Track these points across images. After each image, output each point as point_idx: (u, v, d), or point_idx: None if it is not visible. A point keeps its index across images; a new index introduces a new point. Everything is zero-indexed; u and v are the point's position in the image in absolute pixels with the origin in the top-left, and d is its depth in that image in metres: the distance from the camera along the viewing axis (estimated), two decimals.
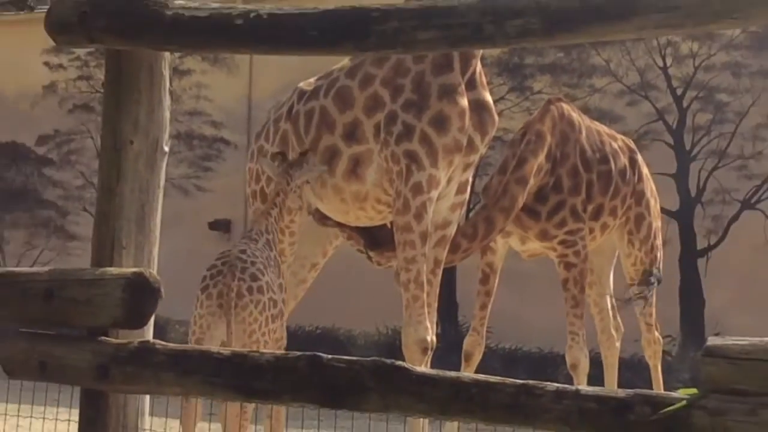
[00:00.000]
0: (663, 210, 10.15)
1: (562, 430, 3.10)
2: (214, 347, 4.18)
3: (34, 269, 3.88)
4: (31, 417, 5.13)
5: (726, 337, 2.98)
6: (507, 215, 7.75)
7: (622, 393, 3.08)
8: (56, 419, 4.21)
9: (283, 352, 5.09)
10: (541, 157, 7.79)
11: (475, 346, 8.33)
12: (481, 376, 3.29)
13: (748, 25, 11.89)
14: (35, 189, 17.82)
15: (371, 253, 7.31)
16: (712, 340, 2.93)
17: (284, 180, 6.88)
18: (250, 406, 6.37)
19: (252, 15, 3.72)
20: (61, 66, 17.44)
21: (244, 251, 6.55)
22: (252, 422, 6.73)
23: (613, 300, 8.91)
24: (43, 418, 4.95)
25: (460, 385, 3.25)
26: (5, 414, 6.55)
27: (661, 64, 13.92)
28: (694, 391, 2.90)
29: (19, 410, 6.10)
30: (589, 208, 8.10)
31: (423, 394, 3.29)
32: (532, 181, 7.75)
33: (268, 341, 6.36)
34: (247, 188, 7.93)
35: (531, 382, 3.15)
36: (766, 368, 2.81)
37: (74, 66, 17.19)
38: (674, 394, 2.93)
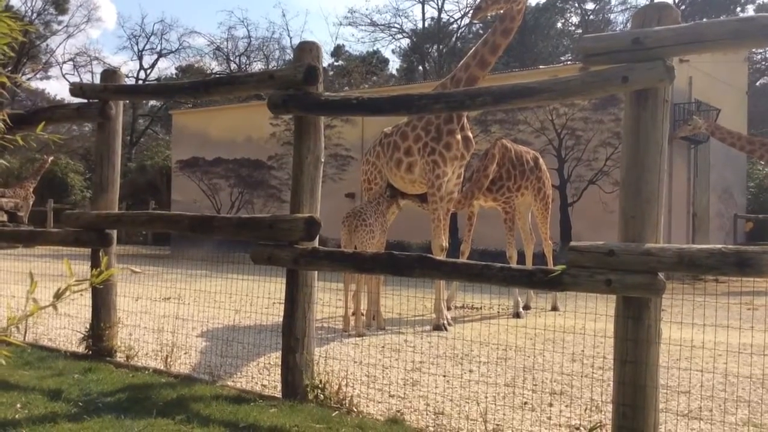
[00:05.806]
0: (552, 185, 9.90)
1: (502, 284, 3.08)
2: (345, 249, 4.16)
3: (286, 215, 3.80)
4: (265, 282, 5.17)
5: (579, 242, 2.93)
6: (479, 191, 7.69)
7: (531, 267, 3.04)
8: (281, 282, 4.28)
9: (380, 251, 5.09)
10: (494, 165, 7.70)
11: (465, 248, 8.23)
12: (467, 261, 3.25)
13: (589, 98, 11.65)
14: (267, 180, 17.91)
15: (419, 205, 7.25)
16: (572, 244, 2.89)
17: (394, 200, 6.95)
18: (364, 276, 6.41)
19: (360, 98, 3.69)
20: (277, 124, 17.48)
21: (361, 208, 6.59)
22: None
23: (529, 225, 8.77)
24: (269, 283, 4.93)
25: (457, 265, 3.23)
26: (240, 279, 6.53)
27: (550, 118, 13.60)
28: (564, 267, 2.86)
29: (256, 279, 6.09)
30: (515, 186, 8.00)
31: (440, 270, 3.27)
32: (490, 176, 7.69)
33: (372, 247, 6.40)
34: (360, 177, 7.89)
35: (488, 263, 3.12)
36: (596, 256, 2.77)
37: (283, 123, 17.24)
38: (555, 268, 2.88)
